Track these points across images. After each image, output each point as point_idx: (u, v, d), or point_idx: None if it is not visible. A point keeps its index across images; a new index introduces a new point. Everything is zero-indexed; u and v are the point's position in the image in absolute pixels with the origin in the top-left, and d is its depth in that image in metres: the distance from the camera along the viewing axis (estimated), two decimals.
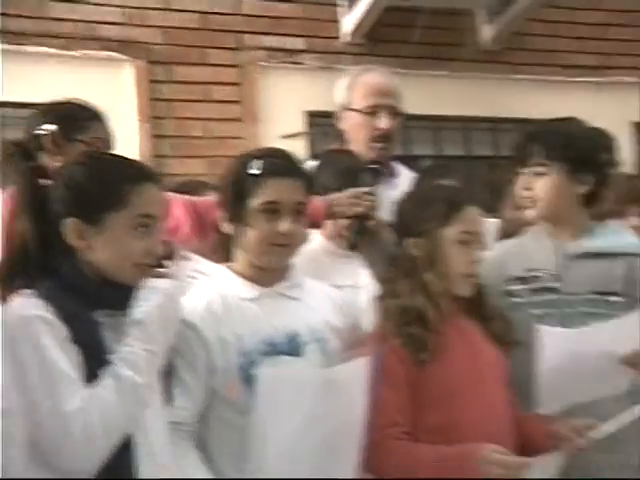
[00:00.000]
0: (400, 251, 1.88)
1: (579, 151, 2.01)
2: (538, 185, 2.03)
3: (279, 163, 1.75)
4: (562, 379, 1.82)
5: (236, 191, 1.71)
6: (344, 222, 2.22)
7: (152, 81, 3.80)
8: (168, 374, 1.59)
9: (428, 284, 1.79)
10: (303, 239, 1.79)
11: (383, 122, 2.58)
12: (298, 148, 3.61)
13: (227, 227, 1.76)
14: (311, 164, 2.39)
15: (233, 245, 1.78)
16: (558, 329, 1.87)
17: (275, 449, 1.48)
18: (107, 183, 1.48)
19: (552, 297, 2.02)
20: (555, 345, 1.81)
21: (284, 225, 1.70)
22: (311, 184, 1.82)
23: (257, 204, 1.69)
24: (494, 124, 4.41)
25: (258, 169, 1.71)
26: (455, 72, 4.23)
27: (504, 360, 1.88)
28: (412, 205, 1.91)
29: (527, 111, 4.24)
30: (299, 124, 3.93)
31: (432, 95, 4.02)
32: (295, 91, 3.95)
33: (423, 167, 3.04)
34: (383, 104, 2.60)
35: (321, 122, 3.93)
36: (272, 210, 1.70)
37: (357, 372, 1.57)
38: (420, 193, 2.00)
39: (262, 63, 3.94)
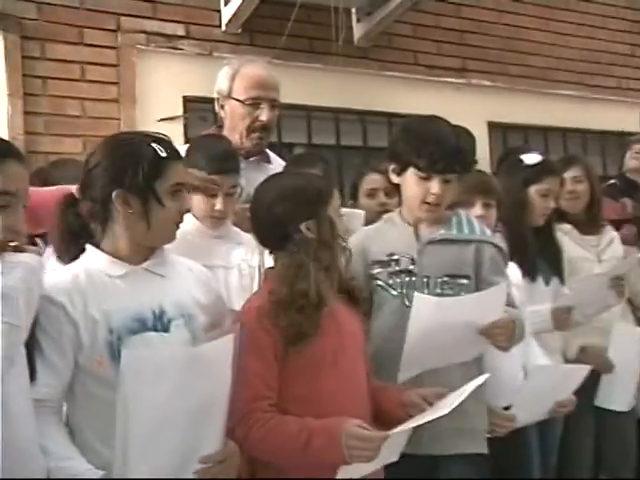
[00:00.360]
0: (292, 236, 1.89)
1: (472, 162, 2.24)
2: (444, 191, 2.16)
3: (174, 147, 1.81)
4: (427, 345, 1.95)
5: (142, 172, 1.70)
6: (216, 203, 2.28)
7: (25, 57, 3.68)
8: (32, 350, 1.59)
9: (323, 264, 1.86)
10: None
11: (264, 114, 2.68)
12: (175, 132, 3.66)
13: (125, 209, 1.72)
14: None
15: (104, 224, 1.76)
16: (433, 297, 2.01)
17: (140, 426, 1.47)
18: None
19: (410, 279, 2.15)
20: (427, 312, 1.93)
21: (187, 205, 1.82)
22: None
23: (167, 185, 1.74)
24: (363, 116, 4.55)
25: (166, 152, 1.76)
26: (328, 66, 4.34)
27: (363, 333, 1.98)
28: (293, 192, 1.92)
29: (393, 106, 4.49)
30: (176, 108, 3.93)
31: (305, 86, 4.12)
32: (173, 76, 3.95)
33: (294, 155, 3.16)
34: (265, 97, 2.69)
35: (198, 107, 3.98)
36: (179, 191, 1.77)
37: (223, 350, 1.57)
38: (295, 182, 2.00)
39: (141, 46, 3.90)
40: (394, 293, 2.17)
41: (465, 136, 3.21)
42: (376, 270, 2.19)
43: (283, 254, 1.90)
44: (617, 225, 3.41)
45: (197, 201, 2.29)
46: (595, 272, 3.06)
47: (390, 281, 2.17)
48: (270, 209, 1.90)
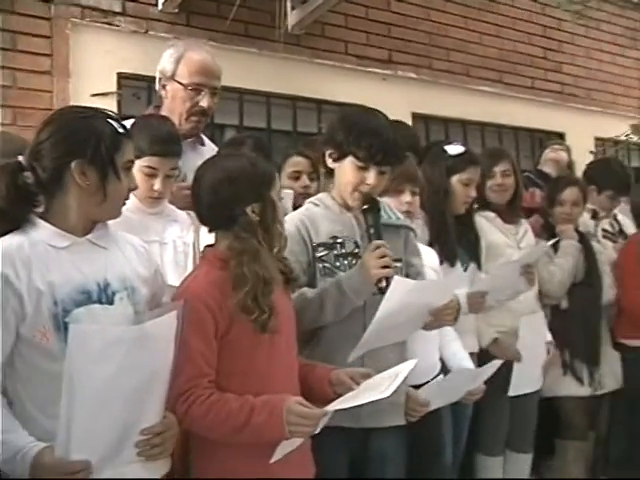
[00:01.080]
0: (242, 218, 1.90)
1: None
2: (379, 182, 2.22)
3: (125, 126, 1.81)
4: (388, 325, 2.03)
5: (104, 145, 1.70)
6: (155, 183, 2.31)
7: None
8: None
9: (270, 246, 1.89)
10: None
11: (204, 101, 2.70)
12: (108, 107, 3.62)
13: (82, 180, 1.70)
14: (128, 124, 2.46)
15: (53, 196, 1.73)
16: (411, 280, 2.09)
17: (84, 400, 1.47)
18: None
19: (355, 262, 2.19)
20: (401, 294, 2.00)
21: (134, 182, 1.84)
22: None
23: (123, 161, 1.75)
24: (293, 101, 4.59)
25: (125, 129, 1.78)
26: (262, 51, 4.37)
27: (294, 313, 2.02)
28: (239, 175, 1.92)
29: (323, 93, 4.56)
30: (110, 84, 3.86)
31: (239, 69, 4.09)
32: (108, 52, 3.88)
33: (233, 138, 3.18)
34: (207, 84, 2.71)
35: (132, 84, 3.95)
36: (130, 168, 1.81)
37: (167, 326, 1.57)
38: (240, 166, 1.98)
39: (75, 19, 3.81)
40: (342, 275, 2.19)
41: (404, 129, 3.34)
42: (322, 252, 2.22)
43: (227, 235, 1.90)
44: (526, 213, 3.57)
45: (137, 181, 2.29)
46: (510, 260, 3.20)
47: (337, 263, 2.21)
48: (216, 190, 1.90)
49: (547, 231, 3.63)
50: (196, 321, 1.75)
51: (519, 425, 3.32)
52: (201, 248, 2.24)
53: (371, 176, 2.20)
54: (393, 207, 2.49)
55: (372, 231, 2.19)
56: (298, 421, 1.71)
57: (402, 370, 1.83)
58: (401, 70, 5.02)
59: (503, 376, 3.01)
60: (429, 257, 2.69)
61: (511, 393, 3.15)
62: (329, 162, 2.30)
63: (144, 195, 2.32)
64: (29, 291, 1.62)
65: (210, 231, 2.01)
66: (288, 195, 2.63)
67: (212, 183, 1.92)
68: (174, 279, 2.21)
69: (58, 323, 1.63)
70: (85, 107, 1.87)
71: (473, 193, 3.09)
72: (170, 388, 1.65)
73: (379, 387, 1.79)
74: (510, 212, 3.40)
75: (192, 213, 2.40)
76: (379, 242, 2.13)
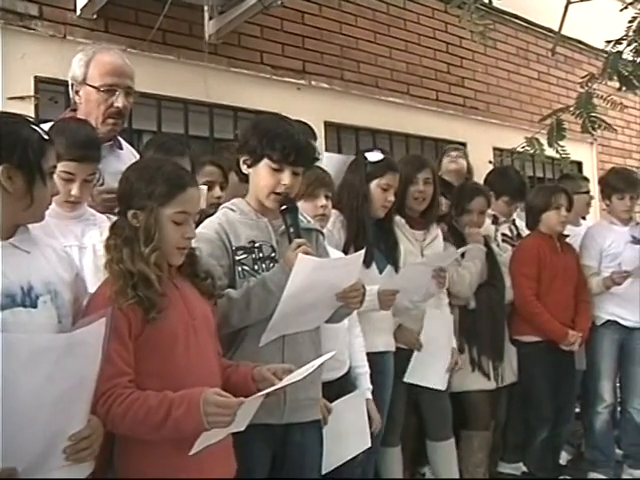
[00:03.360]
0: (122, 220, 1.94)
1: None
2: (294, 183, 2.27)
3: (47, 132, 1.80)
4: (295, 306, 2.06)
5: (31, 151, 1.69)
6: (72, 188, 2.27)
7: None
8: None
9: (144, 254, 1.86)
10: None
11: (119, 101, 2.66)
12: (25, 112, 3.48)
13: (9, 184, 1.68)
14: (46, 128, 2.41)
15: None
16: (315, 258, 2.11)
17: (11, 408, 1.44)
18: None
19: (273, 265, 2.23)
20: (306, 272, 2.04)
21: (56, 187, 1.82)
22: None
23: (48, 166, 1.74)
24: (211, 108, 4.57)
25: (48, 135, 1.76)
26: (180, 58, 4.34)
27: (213, 315, 2.03)
28: (137, 178, 1.94)
29: (240, 101, 4.56)
30: (27, 88, 3.74)
31: (157, 76, 4.08)
32: (25, 55, 3.75)
33: (153, 141, 3.13)
34: (119, 84, 2.67)
35: (50, 89, 3.83)
36: (53, 173, 1.78)
37: (95, 335, 1.57)
38: (147, 168, 2.00)
39: None
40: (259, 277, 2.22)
41: (310, 134, 3.37)
42: (241, 256, 2.24)
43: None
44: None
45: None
46: (418, 261, 3.29)
47: (255, 267, 2.24)
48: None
49: (453, 236, 3.74)
50: (113, 324, 1.70)
51: (435, 416, 3.46)
52: None
53: (286, 177, 2.24)
54: (309, 211, 2.54)
55: (292, 230, 2.22)
56: (216, 411, 1.70)
57: (317, 362, 1.88)
58: (314, 80, 5.07)
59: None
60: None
61: (406, 379, 3.25)
62: (244, 168, 2.32)
63: (62, 199, 2.26)
64: None
65: None
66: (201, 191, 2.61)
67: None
68: (94, 283, 2.16)
69: None
70: (10, 113, 1.84)
71: (391, 198, 3.16)
72: None
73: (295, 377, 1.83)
74: (424, 219, 3.49)
75: (112, 217, 2.38)
76: (300, 240, 2.17)
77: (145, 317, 1.81)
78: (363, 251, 2.26)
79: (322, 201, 2.80)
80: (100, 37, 3.92)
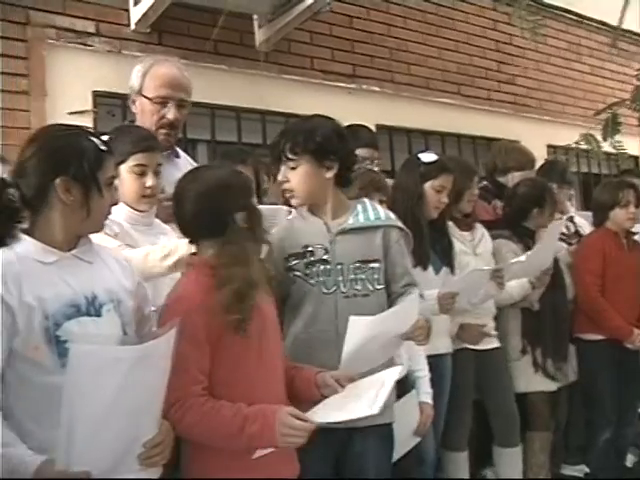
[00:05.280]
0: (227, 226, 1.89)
1: (317, 143, 2.22)
2: (292, 176, 2.24)
3: (106, 142, 1.81)
4: (359, 358, 2.01)
5: (87, 162, 1.70)
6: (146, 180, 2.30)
7: None
8: None
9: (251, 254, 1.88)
10: None
11: (170, 113, 2.70)
12: (85, 125, 3.58)
13: (66, 196, 1.70)
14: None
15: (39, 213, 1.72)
16: (366, 318, 2.03)
17: (85, 419, 1.47)
18: None
19: (325, 267, 2.21)
20: (360, 331, 1.99)
21: (115, 198, 1.85)
22: None
23: (105, 177, 1.75)
24: (263, 115, 4.59)
25: (106, 146, 1.78)
26: (232, 67, 4.37)
27: (277, 316, 2.03)
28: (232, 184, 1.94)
29: (291, 107, 4.51)
30: (86, 103, 3.82)
31: (210, 86, 4.09)
32: (83, 71, 3.84)
33: (223, 151, 3.16)
34: (172, 96, 2.70)
35: (107, 102, 3.92)
36: (112, 184, 1.81)
37: (165, 346, 1.59)
38: (228, 179, 1.99)
39: (51, 41, 3.77)
40: (312, 282, 2.22)
41: (361, 129, 3.36)
42: (293, 262, 2.23)
43: (213, 244, 1.89)
44: (488, 225, 3.60)
45: (127, 184, 2.30)
46: (480, 267, 3.21)
47: (307, 271, 2.22)
48: (202, 199, 1.90)
49: (520, 236, 3.62)
50: (189, 329, 1.73)
51: (503, 422, 3.37)
52: None
53: (282, 171, 2.27)
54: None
55: None
56: (289, 432, 1.72)
57: (388, 378, 1.84)
58: (365, 84, 5.04)
59: (468, 377, 3.10)
60: None
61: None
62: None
63: (137, 195, 2.30)
64: (20, 307, 1.60)
65: (193, 241, 1.99)
66: (282, 212, 2.61)
67: (200, 192, 1.91)
68: (165, 290, 2.21)
69: (49, 337, 1.62)
70: (68, 125, 1.88)
71: (445, 199, 3.12)
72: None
73: (365, 394, 1.80)
74: (469, 219, 3.46)
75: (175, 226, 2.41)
76: None
77: (236, 329, 1.81)
78: (417, 294, 2.22)
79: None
80: (154, 50, 3.97)
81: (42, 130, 1.83)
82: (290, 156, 2.23)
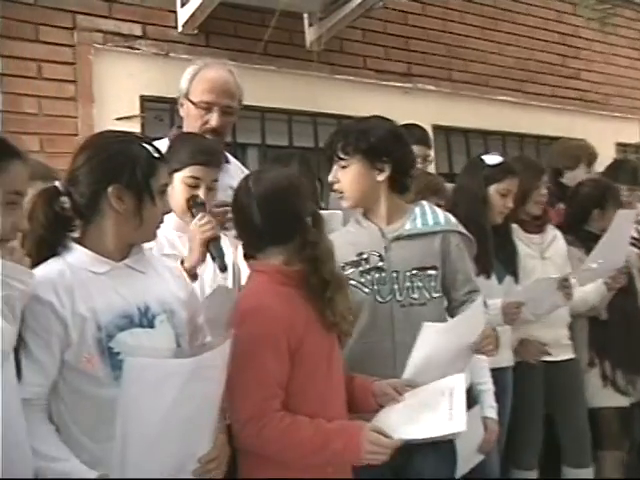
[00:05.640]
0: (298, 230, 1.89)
1: (370, 143, 2.21)
2: (342, 177, 2.23)
3: (159, 150, 1.83)
4: (425, 368, 1.99)
5: (140, 170, 1.72)
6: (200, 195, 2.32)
7: None
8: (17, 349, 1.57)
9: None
10: None
11: (214, 119, 2.71)
12: (133, 130, 3.64)
13: (119, 205, 1.72)
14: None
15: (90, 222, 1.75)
16: (436, 324, 2.03)
17: (140, 433, 1.49)
18: None
19: (380, 275, 2.21)
20: (431, 338, 1.98)
21: (168, 206, 1.90)
22: None
23: (158, 185, 1.76)
24: (314, 118, 4.60)
25: (159, 153, 1.80)
26: (282, 68, 4.39)
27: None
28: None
29: (343, 108, 4.52)
30: (133, 107, 3.90)
31: (259, 88, 4.07)
32: (130, 75, 3.91)
33: (275, 155, 3.17)
34: (216, 102, 2.71)
35: (155, 107, 3.98)
36: (164, 192, 1.82)
37: (220, 358, 1.60)
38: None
39: (97, 45, 3.85)
40: (366, 290, 2.22)
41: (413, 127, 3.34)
42: (348, 271, 2.22)
43: (282, 250, 1.89)
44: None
45: (178, 194, 2.32)
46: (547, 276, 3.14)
47: (362, 279, 2.22)
48: (273, 203, 1.89)
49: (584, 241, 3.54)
50: (270, 338, 1.75)
51: (574, 440, 3.29)
52: (242, 270, 2.24)
53: (332, 171, 2.27)
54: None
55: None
56: (375, 449, 1.73)
57: (455, 387, 1.83)
58: (420, 83, 5.02)
59: (538, 390, 3.01)
60: None
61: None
62: None
63: (185, 207, 2.31)
64: (73, 318, 1.64)
65: (257, 248, 1.96)
66: (336, 216, 2.61)
67: (269, 195, 1.90)
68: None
69: (102, 348, 1.65)
70: (120, 132, 1.89)
71: (510, 204, 3.08)
72: (237, 409, 1.72)
73: (437, 406, 1.80)
74: (539, 221, 3.38)
75: (228, 234, 2.42)
76: (203, 214, 2.22)
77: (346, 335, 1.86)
78: (481, 300, 2.17)
79: None
80: (202, 52, 4.02)
81: (94, 137, 1.86)
82: (342, 155, 2.23)
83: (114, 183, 1.71)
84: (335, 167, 2.23)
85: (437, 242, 2.28)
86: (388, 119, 2.33)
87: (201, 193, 2.33)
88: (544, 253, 3.33)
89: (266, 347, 1.71)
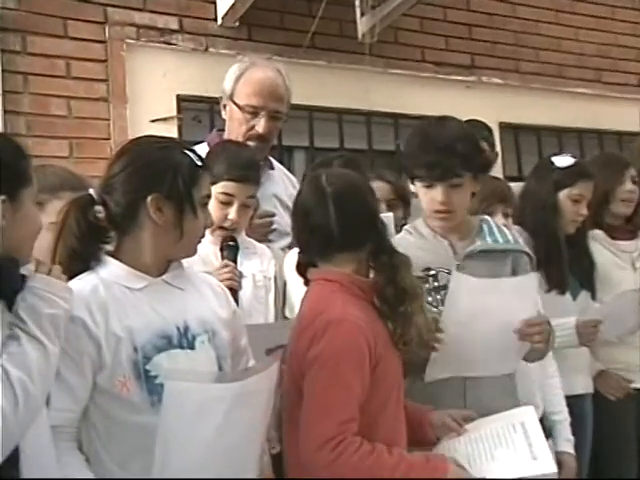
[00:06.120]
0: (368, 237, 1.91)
1: (482, 157, 2.25)
2: (455, 196, 2.21)
3: (202, 157, 1.86)
4: (460, 337, 2.02)
5: (182, 179, 1.74)
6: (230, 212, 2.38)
7: (4, 51, 3.71)
8: None
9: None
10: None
11: (261, 125, 2.76)
12: (169, 134, 3.63)
13: (158, 216, 1.74)
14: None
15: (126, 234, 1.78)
16: (472, 277, 2.06)
17: (181, 461, 1.52)
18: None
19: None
20: (464, 292, 2.01)
21: (210, 218, 1.89)
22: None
23: (200, 196, 1.79)
24: (368, 117, 4.65)
25: (202, 162, 1.83)
26: (331, 63, 4.45)
27: None
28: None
29: (399, 106, 4.59)
30: (170, 108, 4.00)
31: (307, 85, 4.13)
32: (166, 73, 4.02)
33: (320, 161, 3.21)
34: (264, 107, 2.76)
35: (193, 107, 4.08)
36: (206, 204, 1.85)
37: (267, 381, 1.62)
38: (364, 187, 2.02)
39: (130, 40, 3.97)
40: (434, 311, 2.19)
41: (469, 133, 3.33)
42: None
43: (352, 257, 1.91)
44: None
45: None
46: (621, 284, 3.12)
47: (430, 298, 2.21)
48: (344, 206, 1.89)
49: None
50: (356, 355, 1.76)
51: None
52: (290, 282, 2.28)
53: (438, 193, 2.20)
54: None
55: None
56: None
57: (524, 420, 1.86)
58: (485, 76, 5.04)
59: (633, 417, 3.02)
60: None
61: None
62: (412, 187, 2.34)
63: (216, 225, 2.35)
64: (107, 337, 1.67)
65: (322, 256, 1.98)
66: (391, 219, 2.65)
67: (340, 198, 1.90)
68: (253, 318, 2.31)
69: (138, 371, 1.68)
70: (161, 137, 1.93)
71: (584, 211, 3.04)
72: (311, 431, 1.71)
73: (513, 443, 1.82)
74: (630, 225, 3.34)
75: (272, 246, 2.49)
76: (227, 262, 2.28)
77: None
78: (536, 273, 2.19)
79: (499, 220, 2.71)
80: (244, 46, 4.12)
81: (132, 142, 1.90)
82: (459, 172, 2.21)
83: (154, 192, 1.73)
84: (442, 187, 2.20)
85: (508, 263, 2.30)
86: (459, 120, 2.35)
87: (233, 212, 2.39)
88: (636, 263, 3.26)
89: (350, 362, 1.71)
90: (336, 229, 1.88)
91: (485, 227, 2.34)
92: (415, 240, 2.32)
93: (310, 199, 1.95)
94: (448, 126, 2.28)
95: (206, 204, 1.86)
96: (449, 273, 2.23)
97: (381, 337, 1.84)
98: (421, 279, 2.21)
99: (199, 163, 1.82)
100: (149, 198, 1.73)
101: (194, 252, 1.89)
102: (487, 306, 2.05)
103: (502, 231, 2.36)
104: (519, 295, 2.11)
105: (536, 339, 2.13)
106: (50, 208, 2.12)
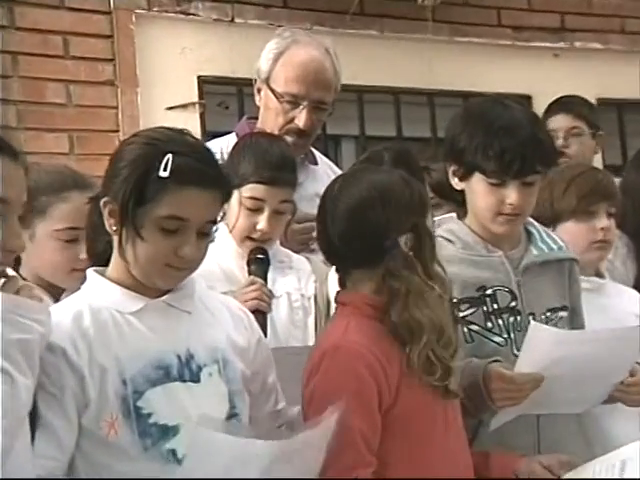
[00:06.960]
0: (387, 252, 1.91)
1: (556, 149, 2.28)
2: (527, 196, 2.21)
3: (198, 167, 1.75)
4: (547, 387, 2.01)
5: (135, 190, 1.71)
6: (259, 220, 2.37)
7: None
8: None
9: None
10: (200, 263, 1.82)
11: (301, 118, 2.74)
12: (189, 123, 3.63)
13: (113, 227, 1.76)
14: (216, 144, 2.51)
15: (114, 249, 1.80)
16: (553, 328, 2.09)
17: None
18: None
19: (515, 319, 2.21)
20: (540, 344, 2.00)
21: (186, 248, 1.74)
22: (229, 195, 1.91)
23: (157, 216, 1.72)
24: (431, 98, 4.65)
25: (167, 170, 1.72)
26: (384, 33, 4.45)
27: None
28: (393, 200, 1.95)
29: (470, 83, 4.51)
30: (190, 92, 4.03)
31: (355, 60, 4.11)
32: (185, 50, 4.05)
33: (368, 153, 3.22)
34: (306, 96, 2.74)
35: (217, 90, 4.12)
36: (173, 228, 1.74)
37: (320, 439, 1.62)
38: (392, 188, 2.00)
39: (140, 11, 4.00)
40: (497, 340, 2.21)
41: (540, 119, 3.29)
42: (466, 311, 2.21)
43: (371, 274, 1.93)
44: None
45: (234, 218, 2.39)
46: None
47: (489, 324, 2.22)
48: (354, 215, 1.93)
49: None
50: (357, 391, 1.79)
51: None
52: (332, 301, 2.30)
53: (512, 193, 2.18)
54: (583, 237, 2.49)
55: None
56: None
57: (625, 458, 1.87)
58: (579, 40, 4.99)
59: None
60: (630, 301, 2.65)
61: None
62: (454, 182, 2.30)
63: (242, 235, 2.38)
64: (91, 368, 1.68)
65: (341, 270, 2.03)
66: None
67: (351, 206, 1.94)
68: (287, 342, 2.33)
69: (128, 408, 1.69)
70: (170, 129, 1.86)
71: None
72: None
73: None
74: None
75: (313, 258, 2.49)
76: (254, 278, 2.28)
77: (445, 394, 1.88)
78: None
79: (603, 221, 2.64)
80: (277, 16, 4.12)
81: (131, 136, 1.92)
82: (539, 170, 2.22)
83: (108, 195, 1.77)
84: (514, 185, 2.18)
85: (565, 274, 2.32)
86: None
87: (263, 220, 2.37)
88: None
89: (353, 401, 1.72)
90: (343, 247, 1.94)
91: (534, 232, 2.34)
92: (460, 251, 2.28)
93: (321, 209, 2.03)
94: (514, 109, 2.26)
95: (169, 227, 1.74)
96: (510, 292, 2.23)
97: (399, 365, 1.86)
98: (475, 301, 2.22)
99: (164, 173, 1.71)
100: (102, 200, 1.77)
101: (160, 282, 1.81)
102: (574, 355, 2.04)
103: (549, 235, 2.37)
104: (618, 346, 2.10)
105: (633, 399, 2.17)
106: (56, 212, 2.20)
